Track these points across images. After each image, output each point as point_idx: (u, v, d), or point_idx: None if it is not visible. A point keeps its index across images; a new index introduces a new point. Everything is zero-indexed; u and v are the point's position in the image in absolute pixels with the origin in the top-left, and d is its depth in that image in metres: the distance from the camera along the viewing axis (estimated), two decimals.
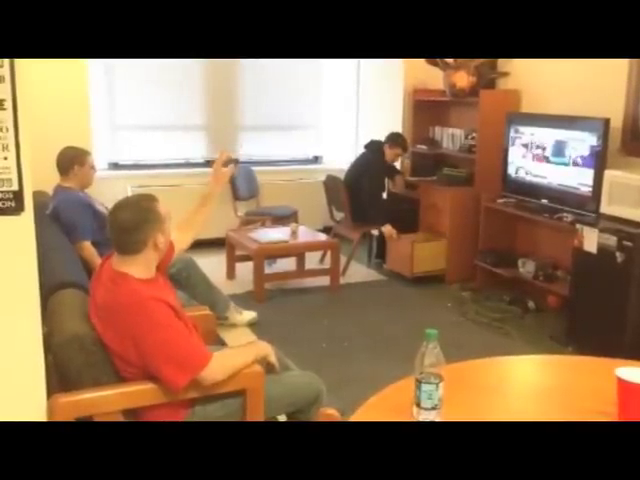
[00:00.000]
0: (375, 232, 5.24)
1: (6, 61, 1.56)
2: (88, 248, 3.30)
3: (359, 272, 5.03)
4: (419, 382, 1.41)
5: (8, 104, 1.57)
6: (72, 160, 3.50)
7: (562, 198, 4.01)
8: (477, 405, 1.57)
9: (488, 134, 4.59)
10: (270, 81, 5.89)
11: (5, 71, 1.56)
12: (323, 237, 4.96)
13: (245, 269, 4.61)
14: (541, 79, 4.44)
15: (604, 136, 3.69)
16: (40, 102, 4.54)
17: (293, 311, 4.18)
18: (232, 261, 4.76)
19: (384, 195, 5.31)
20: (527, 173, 4.31)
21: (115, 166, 5.55)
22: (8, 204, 1.61)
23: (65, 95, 4.87)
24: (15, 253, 1.66)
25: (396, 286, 4.74)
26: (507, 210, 4.42)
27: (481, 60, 4.66)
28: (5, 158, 1.59)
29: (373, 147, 5.09)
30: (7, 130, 1.58)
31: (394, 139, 5.03)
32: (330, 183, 5.25)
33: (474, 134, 4.79)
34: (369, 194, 4.97)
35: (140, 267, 1.92)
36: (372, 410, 1.52)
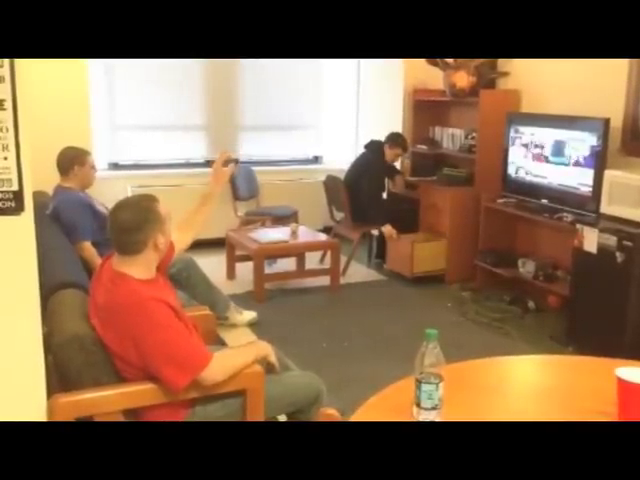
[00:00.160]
0: (375, 232, 5.24)
1: (6, 61, 1.56)
2: (88, 248, 3.30)
3: (359, 272, 5.03)
4: (419, 382, 1.41)
5: (8, 104, 1.57)
6: (72, 160, 3.49)
7: (562, 198, 4.01)
8: (477, 405, 1.57)
9: (488, 134, 4.59)
10: (270, 81, 5.89)
11: (5, 71, 1.56)
12: (323, 237, 4.96)
13: (245, 269, 4.61)
14: (541, 79, 4.44)
15: (604, 136, 3.69)
16: (40, 102, 4.55)
17: (293, 311, 4.18)
18: (232, 261, 4.76)
19: (384, 195, 5.31)
20: (527, 173, 4.31)
21: (115, 166, 5.55)
22: (8, 204, 1.61)
23: (65, 95, 4.88)
24: (15, 253, 1.66)
25: (396, 286, 4.74)
26: (507, 210, 4.42)
27: (481, 60, 4.66)
28: (5, 158, 1.59)
29: (373, 147, 5.09)
30: (7, 130, 1.58)
31: (394, 139, 5.04)
32: (330, 183, 5.25)
33: (474, 134, 4.79)
34: (369, 194, 4.97)
35: (140, 267, 1.92)
36: (372, 410, 1.52)
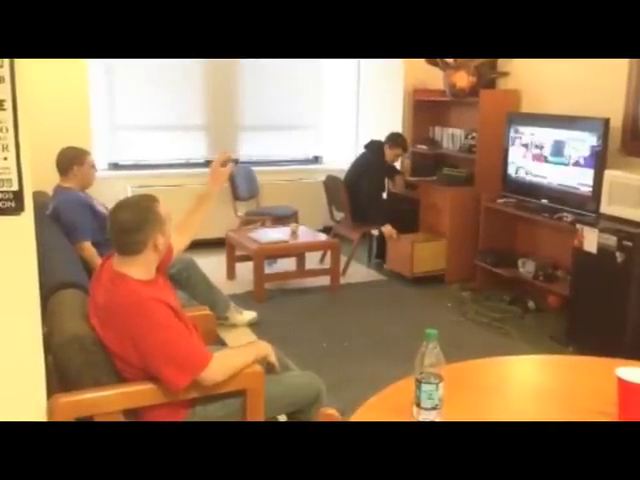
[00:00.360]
0: (375, 232, 5.24)
1: (6, 61, 1.56)
2: (88, 248, 3.30)
3: (359, 272, 5.03)
4: (419, 382, 1.41)
5: (8, 104, 1.57)
6: (72, 160, 3.50)
7: (562, 198, 4.01)
8: (477, 405, 1.57)
9: (488, 134, 4.59)
10: (270, 81, 5.89)
11: (5, 71, 1.56)
12: (323, 237, 4.96)
13: (245, 269, 4.61)
14: (541, 79, 4.44)
15: (604, 136, 3.69)
16: (40, 102, 4.55)
17: (293, 311, 4.18)
18: (232, 261, 4.76)
19: (384, 195, 5.31)
20: (527, 173, 4.31)
21: (115, 166, 5.55)
22: (8, 204, 1.61)
23: (65, 95, 4.88)
24: (15, 253, 1.66)
25: (396, 286, 4.74)
26: (507, 210, 4.42)
27: (481, 60, 4.66)
28: (5, 158, 1.59)
29: (373, 147, 5.09)
30: (7, 130, 1.58)
31: (394, 139, 5.04)
32: (330, 183, 5.25)
33: (474, 134, 4.79)
34: (369, 194, 4.97)
35: (140, 268, 1.92)
36: (372, 410, 1.52)
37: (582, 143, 3.83)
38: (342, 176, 5.13)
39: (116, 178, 5.33)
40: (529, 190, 4.28)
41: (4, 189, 1.60)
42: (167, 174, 5.57)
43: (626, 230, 3.29)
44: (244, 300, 4.17)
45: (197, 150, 5.80)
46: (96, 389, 1.87)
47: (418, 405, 1.42)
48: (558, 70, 4.26)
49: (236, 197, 5.47)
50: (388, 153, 5.04)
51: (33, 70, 4.40)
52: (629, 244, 3.23)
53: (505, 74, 4.74)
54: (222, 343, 3.05)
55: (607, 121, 3.69)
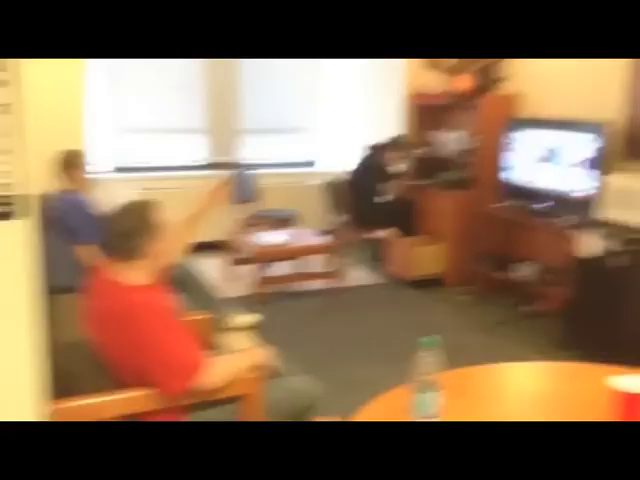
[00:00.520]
0: (375, 235, 5.24)
1: (9, 64, 1.56)
2: (90, 251, 3.31)
3: (359, 275, 5.03)
4: (417, 390, 1.42)
5: (10, 108, 1.58)
6: (69, 163, 3.51)
7: (562, 202, 4.01)
8: (475, 413, 1.58)
9: (487, 138, 4.60)
10: (271, 85, 5.92)
11: (9, 75, 1.56)
12: (323, 240, 4.96)
13: (245, 272, 4.62)
14: (541, 83, 4.45)
15: (604, 140, 3.69)
16: (38, 105, 4.54)
17: (292, 314, 4.19)
18: (232, 264, 4.77)
19: (384, 198, 5.32)
20: (525, 177, 4.31)
21: (119, 169, 5.56)
22: (9, 208, 1.62)
23: (63, 98, 4.88)
24: (17, 258, 1.66)
25: (396, 289, 4.75)
26: (507, 214, 4.42)
27: (482, 64, 4.67)
28: (6, 162, 1.60)
29: (375, 151, 5.10)
30: (8, 134, 1.59)
31: (395, 143, 5.05)
32: (331, 186, 5.26)
33: (474, 138, 4.79)
34: (370, 197, 4.97)
35: (137, 273, 1.92)
36: (371, 415, 1.52)
37: (581, 147, 3.83)
38: (342, 179, 5.14)
39: (120, 181, 5.33)
40: (527, 194, 4.29)
41: (5, 193, 1.60)
42: (170, 177, 5.59)
43: (626, 235, 3.30)
44: (243, 304, 4.17)
45: (199, 153, 5.82)
46: (95, 395, 1.87)
47: (416, 413, 1.43)
48: (558, 74, 4.27)
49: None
50: (389, 156, 5.04)
51: (31, 72, 4.39)
52: (629, 248, 3.24)
53: (505, 78, 4.74)
54: (221, 348, 3.05)
55: (606, 125, 3.70)
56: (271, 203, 5.69)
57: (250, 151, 6.00)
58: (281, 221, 5.28)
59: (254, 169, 5.74)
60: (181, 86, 5.61)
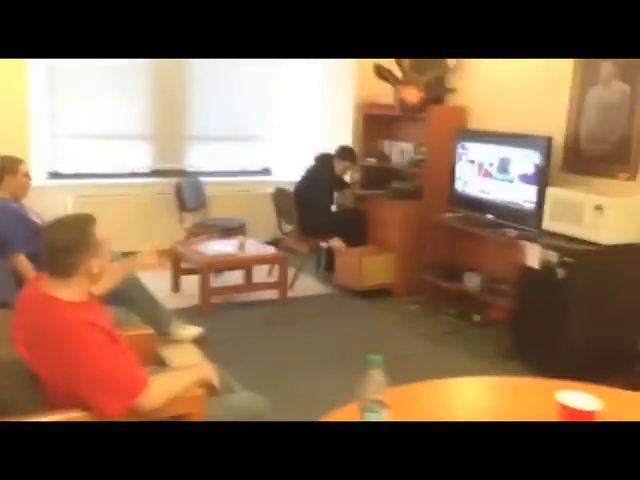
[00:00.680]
0: (324, 245, 5.22)
1: None
2: (22, 262, 3.15)
3: (307, 285, 4.99)
4: (363, 410, 1.38)
5: None
6: (3, 170, 3.34)
7: (507, 214, 4.08)
8: None
9: (436, 149, 4.65)
10: (220, 91, 5.82)
11: None
12: (271, 250, 4.89)
13: (191, 282, 4.50)
14: (487, 96, 4.53)
15: (547, 154, 3.78)
16: None
17: (240, 326, 4.11)
18: (178, 274, 4.65)
19: (333, 208, 5.31)
20: (473, 188, 4.37)
21: (55, 175, 5.35)
22: None
23: (3, 100, 4.68)
24: None
25: (345, 299, 4.73)
26: (454, 224, 4.47)
27: (430, 76, 4.72)
28: None
29: (323, 160, 5.09)
30: None
31: (344, 152, 5.05)
32: (279, 195, 5.21)
33: (423, 149, 4.84)
34: (318, 207, 4.95)
35: (71, 290, 1.82)
36: None
37: (526, 160, 3.91)
38: (291, 188, 5.10)
39: (56, 188, 5.13)
40: (475, 205, 4.35)
41: None
42: (110, 184, 5.40)
43: (567, 246, 3.37)
44: (189, 315, 4.06)
45: (142, 160, 5.66)
46: (26, 416, 1.76)
47: None
48: (504, 88, 4.36)
49: (183, 208, 5.35)
50: (337, 166, 5.04)
51: None
52: (570, 260, 3.31)
53: (453, 90, 4.82)
54: (163, 363, 2.95)
55: (550, 139, 3.79)
56: (219, 211, 5.60)
57: (198, 159, 5.89)
58: (229, 230, 5.19)
59: (200, 176, 5.66)
60: (124, 89, 5.45)
